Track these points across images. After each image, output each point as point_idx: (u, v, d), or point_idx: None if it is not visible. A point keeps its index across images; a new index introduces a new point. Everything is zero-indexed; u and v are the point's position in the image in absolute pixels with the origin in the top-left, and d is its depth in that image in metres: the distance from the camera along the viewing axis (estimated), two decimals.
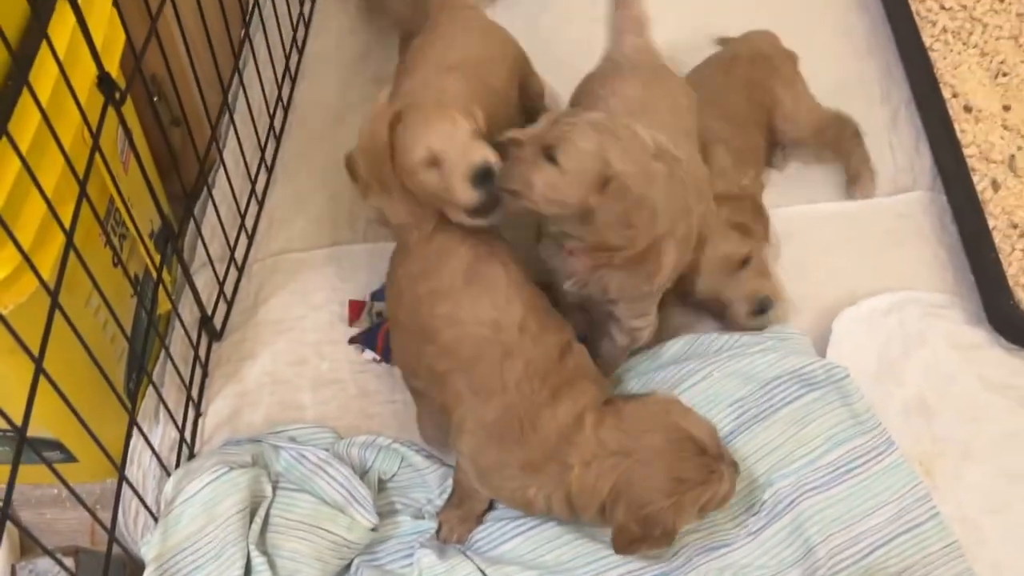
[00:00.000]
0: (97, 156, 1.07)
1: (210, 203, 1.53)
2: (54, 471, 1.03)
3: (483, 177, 1.14)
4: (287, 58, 1.81)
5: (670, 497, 1.10)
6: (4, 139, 0.90)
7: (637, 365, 1.44)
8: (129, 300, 1.30)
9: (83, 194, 1.02)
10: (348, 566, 1.28)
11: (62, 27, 1.02)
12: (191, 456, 1.36)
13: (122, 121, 1.14)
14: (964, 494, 1.32)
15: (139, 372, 1.34)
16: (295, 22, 1.86)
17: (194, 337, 1.43)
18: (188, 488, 1.22)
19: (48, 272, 0.99)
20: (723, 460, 1.14)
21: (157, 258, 1.32)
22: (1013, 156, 1.65)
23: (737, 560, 1.28)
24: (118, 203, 1.22)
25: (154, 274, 1.32)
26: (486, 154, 1.14)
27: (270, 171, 1.70)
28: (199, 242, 1.48)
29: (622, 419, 1.14)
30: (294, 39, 1.85)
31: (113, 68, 1.11)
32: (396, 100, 1.25)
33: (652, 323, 1.33)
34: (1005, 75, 1.77)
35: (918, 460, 1.35)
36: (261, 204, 1.65)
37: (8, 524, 1.23)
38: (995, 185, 1.60)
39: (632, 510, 1.10)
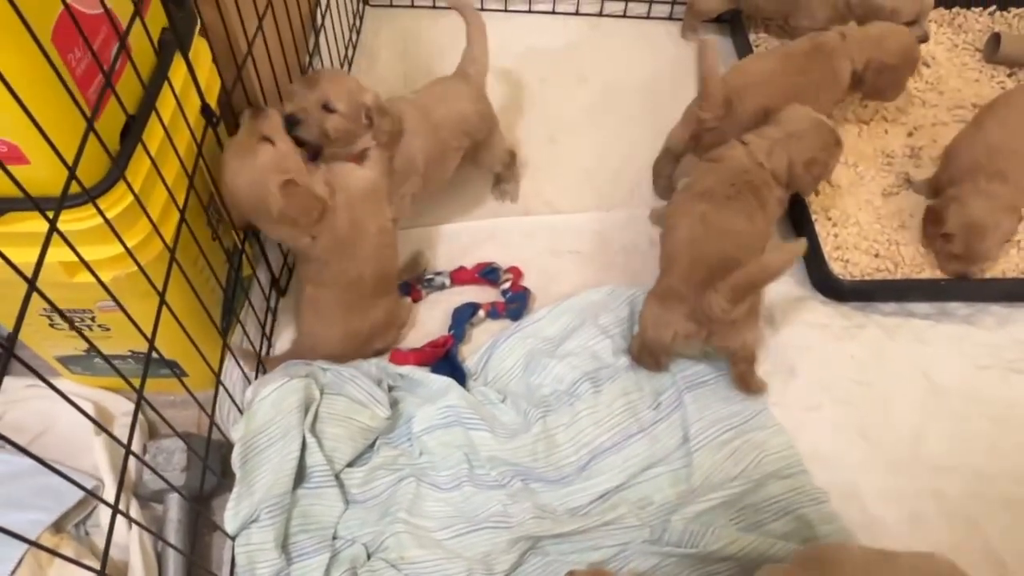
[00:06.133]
0: (201, 162, 1.10)
1: None
2: (178, 377, 1.08)
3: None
4: None
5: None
6: (140, 146, 0.96)
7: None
8: (224, 265, 1.31)
9: (191, 186, 1.05)
10: (372, 444, 1.30)
11: (178, 75, 1.07)
12: (264, 373, 1.37)
13: (217, 139, 1.16)
14: (790, 397, 1.36)
15: (230, 314, 1.35)
16: None
17: (267, 292, 1.46)
18: (262, 392, 1.23)
19: (168, 239, 1.01)
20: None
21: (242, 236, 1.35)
22: None
23: (635, 452, 1.29)
24: (216, 196, 1.23)
25: (240, 246, 1.35)
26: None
27: None
28: None
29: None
30: None
31: (212, 102, 1.14)
32: None
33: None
34: None
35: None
36: None
37: (140, 416, 1.29)
38: (816, 191, 1.63)
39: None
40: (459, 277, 1.53)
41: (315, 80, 1.22)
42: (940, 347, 1.44)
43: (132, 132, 0.95)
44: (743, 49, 1.92)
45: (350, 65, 1.95)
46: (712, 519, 1.20)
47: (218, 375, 1.20)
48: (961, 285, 1.52)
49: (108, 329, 1.18)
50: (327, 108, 1.21)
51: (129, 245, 0.94)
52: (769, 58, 1.60)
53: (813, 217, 1.56)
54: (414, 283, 1.52)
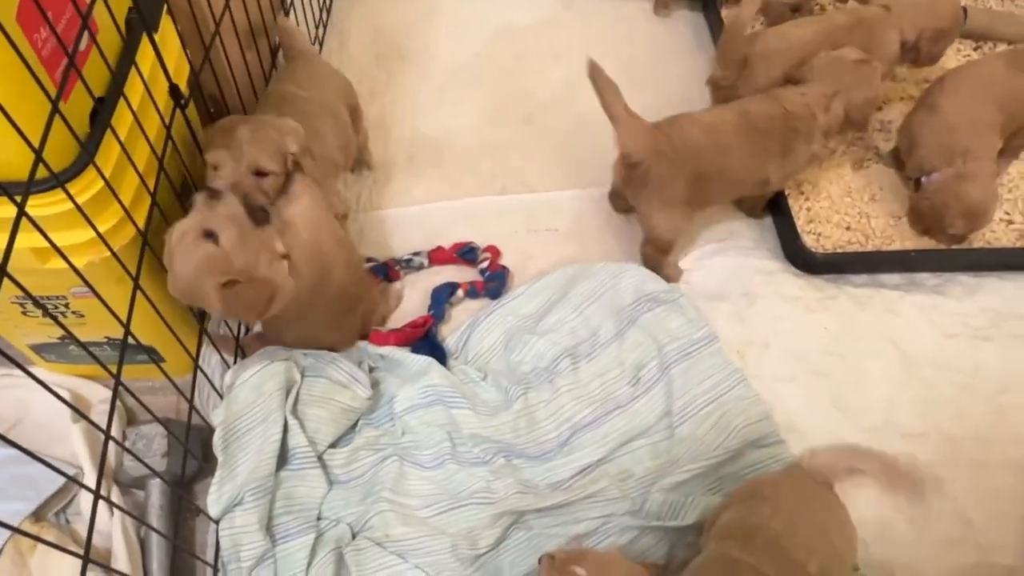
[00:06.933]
0: (171, 144, 1.08)
1: None
2: (156, 363, 1.07)
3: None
4: None
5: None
6: (108, 131, 0.94)
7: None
8: None
9: (161, 168, 1.03)
10: (354, 425, 1.30)
11: (146, 57, 1.04)
12: (243, 357, 1.35)
13: (186, 120, 1.14)
14: (764, 369, 1.38)
15: None
16: None
17: None
18: (243, 375, 1.23)
19: (141, 224, 1.01)
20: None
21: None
22: None
23: (615, 427, 1.29)
24: (188, 179, 1.22)
25: None
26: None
27: None
28: None
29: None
30: None
31: (181, 84, 1.11)
32: None
33: None
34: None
35: (736, 350, 1.39)
36: None
37: (118, 402, 1.28)
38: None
39: None
40: (437, 257, 1.53)
41: (235, 140, 1.12)
42: (910, 317, 1.47)
43: (101, 115, 0.93)
44: (716, 25, 1.92)
45: (320, 45, 1.92)
46: (691, 489, 1.22)
47: (196, 360, 1.19)
48: (930, 256, 1.54)
49: (82, 316, 1.16)
50: (260, 173, 1.14)
51: (101, 230, 0.93)
52: (808, 27, 1.58)
53: (786, 192, 1.57)
54: (392, 264, 1.51)
